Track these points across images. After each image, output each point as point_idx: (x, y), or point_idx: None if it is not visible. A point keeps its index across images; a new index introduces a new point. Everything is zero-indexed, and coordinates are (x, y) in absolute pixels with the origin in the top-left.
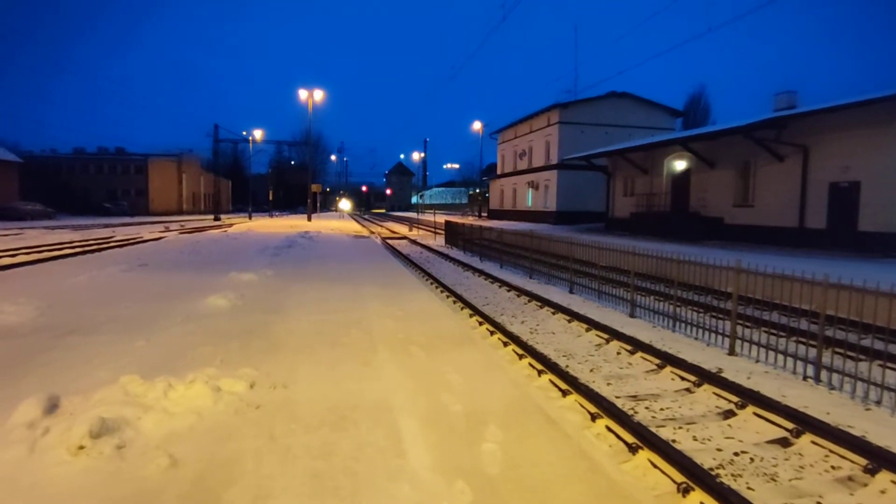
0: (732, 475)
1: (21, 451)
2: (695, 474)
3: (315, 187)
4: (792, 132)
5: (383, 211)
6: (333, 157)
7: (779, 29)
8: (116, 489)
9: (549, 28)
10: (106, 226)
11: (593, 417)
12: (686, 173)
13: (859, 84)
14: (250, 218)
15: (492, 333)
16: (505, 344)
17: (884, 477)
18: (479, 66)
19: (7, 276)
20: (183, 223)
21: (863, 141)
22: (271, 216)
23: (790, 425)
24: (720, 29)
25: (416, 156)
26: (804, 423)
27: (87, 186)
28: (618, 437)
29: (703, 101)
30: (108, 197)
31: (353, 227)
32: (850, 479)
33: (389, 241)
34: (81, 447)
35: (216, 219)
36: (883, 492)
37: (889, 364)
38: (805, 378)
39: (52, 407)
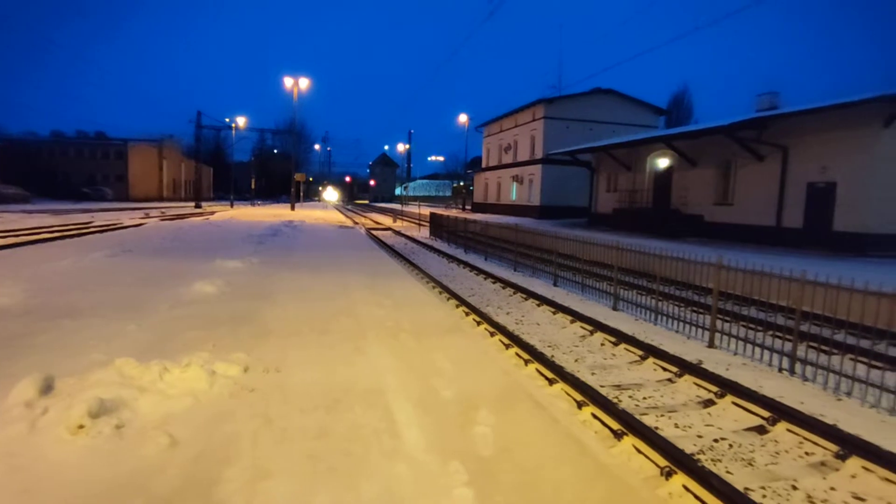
0: (712, 460)
1: (21, 429)
2: (677, 459)
3: (299, 176)
4: (772, 132)
5: (366, 202)
6: (317, 147)
7: (762, 30)
8: (118, 466)
9: (536, 23)
10: (85, 211)
11: (579, 405)
12: (668, 171)
13: (841, 85)
14: (232, 206)
15: (478, 323)
16: (492, 334)
17: (854, 462)
18: (466, 60)
19: None
20: (163, 210)
21: (841, 142)
22: (253, 205)
23: (766, 414)
24: (705, 29)
25: (401, 147)
26: (780, 411)
27: (66, 171)
28: (603, 423)
29: (686, 100)
30: (87, 182)
31: (337, 217)
32: (822, 464)
33: (374, 232)
34: (81, 426)
35: (197, 206)
36: (854, 476)
37: (860, 358)
38: (781, 370)
39: (47, 388)
